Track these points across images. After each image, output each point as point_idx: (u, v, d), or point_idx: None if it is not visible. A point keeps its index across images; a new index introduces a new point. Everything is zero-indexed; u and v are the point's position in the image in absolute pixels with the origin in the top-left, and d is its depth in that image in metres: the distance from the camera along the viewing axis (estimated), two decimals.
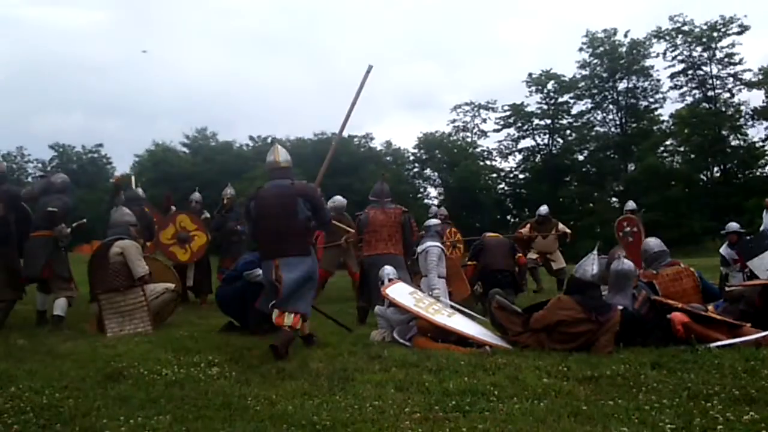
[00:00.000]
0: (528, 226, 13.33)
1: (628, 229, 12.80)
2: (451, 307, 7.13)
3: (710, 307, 6.87)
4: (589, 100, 45.30)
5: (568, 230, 13.40)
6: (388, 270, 7.36)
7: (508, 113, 46.98)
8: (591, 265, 5.96)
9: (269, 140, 51.24)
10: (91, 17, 74.44)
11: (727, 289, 7.70)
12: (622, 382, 4.43)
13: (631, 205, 13.79)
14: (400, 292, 6.57)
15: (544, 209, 13.12)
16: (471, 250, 10.67)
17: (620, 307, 5.92)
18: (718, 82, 40.93)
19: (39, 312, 8.18)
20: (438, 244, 8.78)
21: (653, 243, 8.11)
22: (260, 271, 6.78)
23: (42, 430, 3.61)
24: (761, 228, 16.34)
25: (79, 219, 8.69)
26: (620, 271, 6.41)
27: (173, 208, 11.45)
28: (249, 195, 6.79)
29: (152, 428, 3.59)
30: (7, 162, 52.07)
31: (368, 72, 8.26)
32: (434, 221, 9.36)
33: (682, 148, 41.69)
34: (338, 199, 11.55)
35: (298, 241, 6.18)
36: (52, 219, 7.89)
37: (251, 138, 52.13)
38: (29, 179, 52.10)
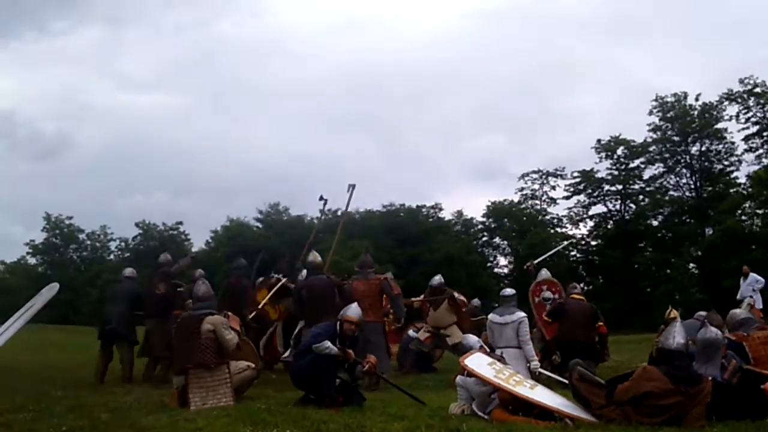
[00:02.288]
0: (422, 297, 12.30)
1: (549, 294, 11.59)
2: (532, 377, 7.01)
3: None
4: (662, 165, 44.40)
5: (462, 298, 12.13)
6: (473, 340, 7.37)
7: (577, 180, 46.46)
8: (674, 333, 5.78)
9: (339, 213, 52.06)
10: (172, 102, 77.97)
11: None
12: None
13: (544, 274, 12.42)
14: (478, 362, 6.46)
15: (436, 279, 11.94)
16: (551, 309, 10.37)
17: (710, 378, 5.67)
18: None
19: None
20: (490, 317, 9.22)
21: (739, 311, 7.85)
22: (329, 344, 7.09)
23: None
24: (738, 296, 16.06)
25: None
26: (707, 340, 6.19)
27: None
28: (299, 285, 10.06)
29: None
30: (90, 240, 54.61)
31: (352, 190, 12.09)
32: (511, 291, 9.42)
33: (760, 211, 40.23)
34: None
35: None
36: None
37: (321, 211, 53.06)
38: (111, 257, 54.30)
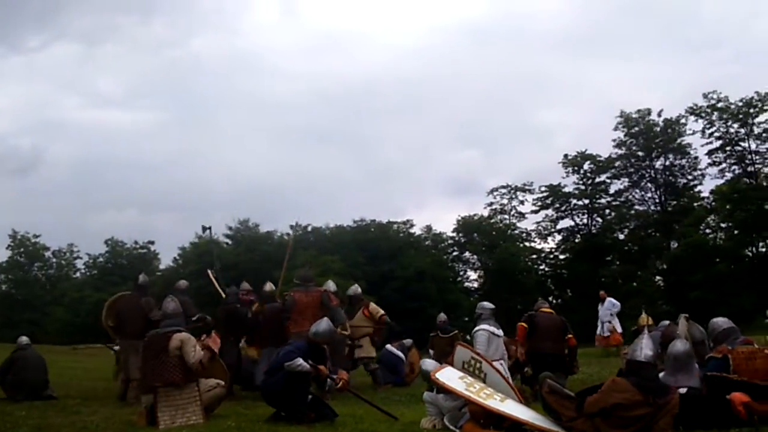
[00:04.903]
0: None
1: None
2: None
3: None
4: (627, 179, 45.15)
5: (371, 319, 11.58)
6: (430, 363, 7.42)
7: (545, 194, 46.96)
8: (641, 345, 5.85)
9: (309, 228, 51.88)
10: (144, 118, 77.31)
11: None
12: None
13: (330, 285, 11.92)
14: (449, 376, 6.46)
15: (352, 290, 11.99)
16: (523, 318, 10.36)
17: (683, 390, 5.76)
18: (757, 158, 40.53)
19: None
20: (486, 327, 8.89)
21: (721, 321, 7.18)
22: (301, 361, 7.07)
23: None
24: (599, 320, 16.46)
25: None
26: (679, 353, 6.26)
27: None
28: (254, 312, 10.64)
29: None
30: (56, 258, 53.69)
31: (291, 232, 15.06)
32: (487, 304, 9.41)
33: (724, 224, 41.02)
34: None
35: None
36: None
37: (291, 227, 52.71)
38: (77, 275, 53.46)
